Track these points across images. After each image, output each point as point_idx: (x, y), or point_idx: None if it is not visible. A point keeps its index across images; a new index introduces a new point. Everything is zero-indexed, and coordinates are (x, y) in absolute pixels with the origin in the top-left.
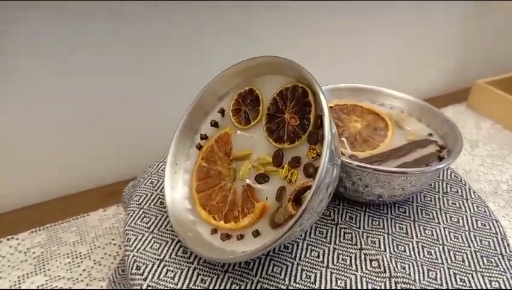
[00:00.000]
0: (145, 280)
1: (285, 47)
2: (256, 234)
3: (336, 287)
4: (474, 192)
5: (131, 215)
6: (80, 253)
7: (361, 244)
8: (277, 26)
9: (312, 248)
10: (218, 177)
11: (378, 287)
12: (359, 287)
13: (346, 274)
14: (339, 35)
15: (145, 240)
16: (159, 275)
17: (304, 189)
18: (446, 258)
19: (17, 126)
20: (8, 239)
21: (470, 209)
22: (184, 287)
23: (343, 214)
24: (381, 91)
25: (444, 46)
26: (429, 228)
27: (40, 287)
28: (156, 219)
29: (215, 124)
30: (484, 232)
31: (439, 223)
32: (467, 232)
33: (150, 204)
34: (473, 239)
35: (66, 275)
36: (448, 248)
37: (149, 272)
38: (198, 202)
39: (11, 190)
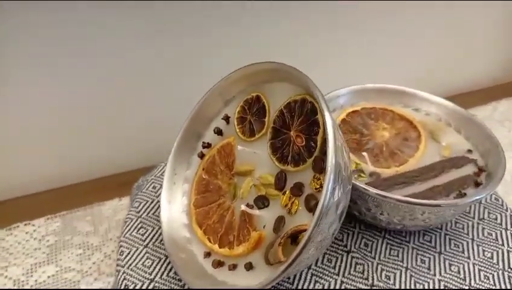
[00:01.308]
0: None
1: (307, 42)
2: (249, 267)
3: None
4: None
5: (128, 225)
6: (92, 244)
7: (373, 279)
8: (302, 19)
9: (317, 279)
10: (218, 193)
11: None
12: None
13: None
14: (360, 28)
15: (138, 254)
16: None
17: (297, 233)
18: None
19: (34, 109)
20: (25, 224)
21: (508, 243)
22: None
23: (357, 239)
24: (416, 94)
25: (488, 32)
26: (456, 264)
27: (45, 281)
28: (152, 230)
29: (219, 132)
30: None
31: (468, 257)
32: (500, 272)
33: (148, 213)
34: (507, 281)
35: (76, 266)
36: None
37: None
38: (194, 219)
39: (28, 173)
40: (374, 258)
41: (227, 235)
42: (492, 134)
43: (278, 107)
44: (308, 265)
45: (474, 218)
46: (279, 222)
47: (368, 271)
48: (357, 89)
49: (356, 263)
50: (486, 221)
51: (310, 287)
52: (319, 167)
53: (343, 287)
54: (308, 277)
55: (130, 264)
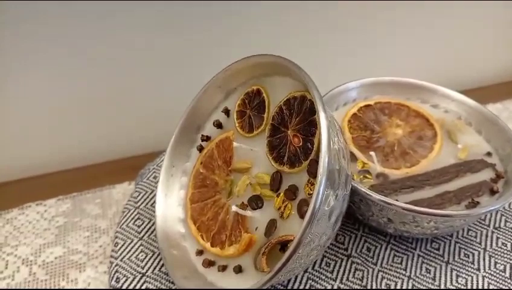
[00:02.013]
0: None
1: (325, 33)
2: (238, 270)
3: None
4: None
5: (126, 215)
6: (100, 227)
7: (372, 287)
8: (315, 9)
9: (312, 283)
10: (214, 189)
11: None
12: None
13: None
14: (378, 19)
15: (133, 247)
16: None
17: (282, 243)
18: None
19: (49, 90)
20: (37, 204)
21: None
22: None
23: (360, 243)
24: (436, 89)
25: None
26: (464, 275)
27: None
28: (149, 222)
29: (218, 125)
30: None
31: (478, 269)
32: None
33: (147, 203)
34: None
35: (83, 249)
36: None
37: (127, 287)
38: (189, 214)
39: (42, 154)
40: (376, 264)
41: (219, 234)
42: None
43: (278, 102)
44: (299, 272)
45: (489, 226)
46: (271, 225)
47: (367, 278)
48: (372, 82)
49: (356, 269)
50: (502, 230)
51: None
52: (314, 171)
53: None
54: (304, 280)
55: (124, 257)
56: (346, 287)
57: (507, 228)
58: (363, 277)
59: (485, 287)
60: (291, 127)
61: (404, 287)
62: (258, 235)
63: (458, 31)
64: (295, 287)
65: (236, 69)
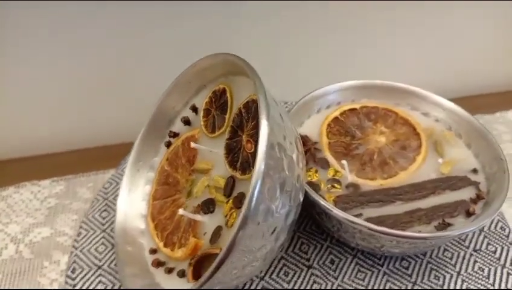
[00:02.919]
0: (74, 286)
1: (321, 33)
2: (181, 274)
3: None
4: None
5: (94, 205)
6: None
7: None
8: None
9: None
10: (175, 188)
11: None
12: None
13: None
14: (377, 21)
15: (94, 238)
16: (90, 285)
17: (207, 256)
18: None
19: (50, 71)
20: (32, 184)
21: (500, 283)
22: None
23: (324, 254)
24: (428, 96)
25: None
26: None
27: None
28: (114, 215)
29: (186, 122)
30: None
31: None
32: None
33: (116, 196)
34: None
35: (69, 232)
36: None
37: (81, 279)
38: (150, 211)
39: (41, 134)
40: (336, 278)
41: (173, 234)
42: (503, 156)
43: (239, 104)
44: (241, 282)
45: (468, 248)
46: (216, 233)
47: None
48: (359, 85)
49: (314, 281)
50: (482, 253)
51: None
52: None
53: None
54: (259, 288)
55: (84, 247)
56: None
57: (488, 252)
58: None
59: None
60: (246, 132)
61: None
62: (205, 241)
63: (458, 34)
64: None
65: (203, 65)
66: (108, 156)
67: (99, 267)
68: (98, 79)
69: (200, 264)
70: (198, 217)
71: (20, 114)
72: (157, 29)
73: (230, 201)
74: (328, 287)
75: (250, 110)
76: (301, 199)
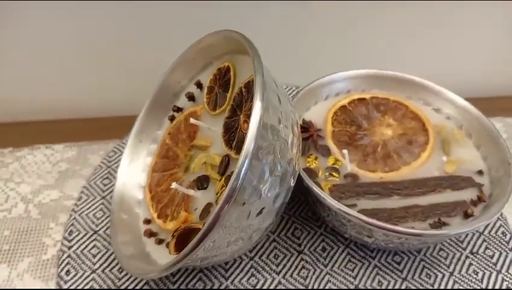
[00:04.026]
0: (69, 248)
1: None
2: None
3: None
4: None
5: (97, 172)
6: None
7: (312, 287)
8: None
9: (254, 272)
10: (174, 162)
11: None
12: None
13: None
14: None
15: (94, 204)
16: (84, 248)
17: (189, 231)
18: None
19: (71, 38)
20: (46, 147)
21: (494, 287)
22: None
23: (316, 241)
24: (441, 92)
25: None
26: None
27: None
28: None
29: (190, 98)
30: None
31: None
32: None
33: (119, 164)
34: None
35: (76, 196)
36: None
37: (77, 241)
38: (148, 182)
39: (57, 99)
40: (326, 266)
41: (167, 207)
42: (510, 158)
43: (241, 83)
44: (225, 259)
45: (465, 250)
46: (206, 209)
47: (311, 279)
48: (371, 74)
49: (303, 267)
50: (478, 257)
51: (244, 279)
52: None
53: (277, 288)
54: (246, 268)
55: (83, 212)
56: (287, 283)
57: (485, 255)
58: (307, 277)
59: None
60: (244, 112)
61: None
62: (195, 216)
63: (484, 33)
64: (237, 271)
65: (207, 42)
66: (122, 126)
67: (95, 232)
68: (115, 53)
69: (186, 238)
70: (191, 192)
71: (39, 79)
72: (167, 4)
73: (223, 179)
74: (316, 274)
75: (250, 90)
76: (292, 184)
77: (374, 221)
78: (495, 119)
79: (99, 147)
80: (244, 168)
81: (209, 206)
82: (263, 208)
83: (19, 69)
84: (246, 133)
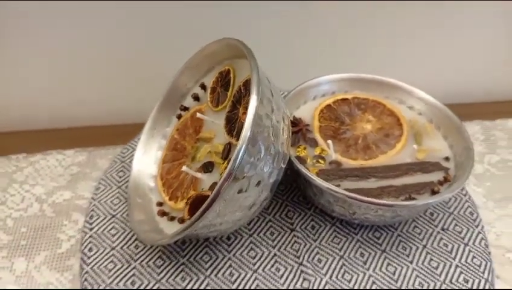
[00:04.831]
0: (91, 229)
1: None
2: (181, 221)
3: None
4: (483, 240)
5: (112, 166)
6: None
7: (303, 258)
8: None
9: (253, 247)
10: (182, 153)
11: None
12: None
13: (269, 285)
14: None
15: (110, 193)
16: (104, 229)
17: (200, 197)
18: None
19: (82, 44)
20: (57, 153)
21: (461, 258)
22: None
23: (306, 221)
24: (413, 92)
25: None
26: (395, 265)
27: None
28: (130, 175)
29: (196, 98)
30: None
31: (411, 262)
32: (438, 284)
33: (132, 159)
34: None
35: (88, 196)
36: None
37: (97, 224)
38: (160, 172)
39: (67, 109)
40: (315, 241)
41: (177, 190)
42: (472, 146)
43: (240, 82)
44: (228, 229)
45: (437, 227)
46: (212, 187)
47: (302, 251)
48: (353, 77)
49: (295, 241)
50: (449, 232)
51: (244, 252)
52: None
53: (273, 260)
54: (246, 243)
55: (101, 199)
56: (281, 255)
57: (454, 231)
58: (298, 249)
59: (412, 278)
60: (243, 105)
61: (333, 265)
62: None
63: (464, 41)
64: (238, 246)
65: (210, 49)
66: (127, 133)
67: (113, 216)
68: (122, 65)
69: (198, 205)
70: (199, 175)
71: (51, 89)
72: (171, 15)
73: (226, 162)
74: (307, 247)
75: (248, 87)
76: (283, 165)
77: (355, 195)
78: (474, 122)
79: (107, 151)
80: (243, 147)
81: (214, 184)
82: (260, 181)
83: (31, 81)
84: (244, 122)
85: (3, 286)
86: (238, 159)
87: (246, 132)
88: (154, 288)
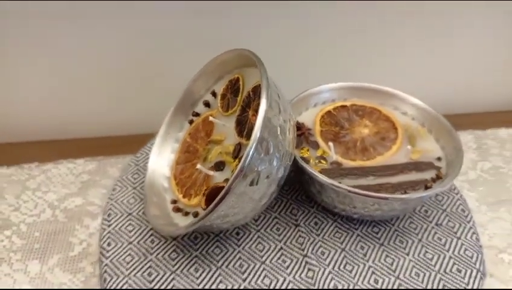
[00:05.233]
0: (109, 226)
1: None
2: (195, 215)
3: (260, 283)
4: (474, 234)
5: (127, 169)
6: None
7: (308, 251)
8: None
9: (261, 241)
10: (195, 155)
11: None
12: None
13: (277, 275)
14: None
15: (126, 193)
16: (121, 226)
17: (217, 190)
18: None
19: (88, 57)
20: (68, 162)
21: (454, 250)
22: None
23: (310, 217)
24: (407, 98)
25: None
26: (393, 256)
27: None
28: (143, 176)
29: (206, 104)
30: (454, 280)
31: (408, 254)
32: (433, 273)
33: (146, 163)
34: (435, 282)
35: (98, 202)
36: (401, 282)
37: (115, 221)
38: (173, 173)
39: (78, 120)
40: (318, 235)
41: (190, 189)
42: (461, 146)
43: (249, 88)
44: (239, 221)
45: (431, 222)
46: (225, 181)
47: (306, 244)
48: (352, 86)
49: (300, 236)
50: (442, 228)
51: (253, 246)
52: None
53: (279, 253)
54: (254, 238)
55: (118, 199)
56: (287, 248)
57: (447, 227)
58: (303, 243)
59: (409, 269)
60: (253, 108)
61: (335, 257)
62: None
63: (458, 53)
64: (247, 240)
65: (223, 58)
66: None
67: (130, 214)
68: (131, 77)
69: (213, 197)
70: (211, 172)
71: (61, 101)
72: (182, 27)
73: (236, 160)
74: (311, 241)
75: (257, 92)
76: (289, 162)
77: (355, 189)
78: (467, 132)
79: (116, 160)
80: (256, 141)
81: (226, 181)
82: (269, 174)
83: (42, 94)
84: (254, 123)
85: (18, 287)
86: (251, 152)
87: (258, 127)
88: (169, 278)
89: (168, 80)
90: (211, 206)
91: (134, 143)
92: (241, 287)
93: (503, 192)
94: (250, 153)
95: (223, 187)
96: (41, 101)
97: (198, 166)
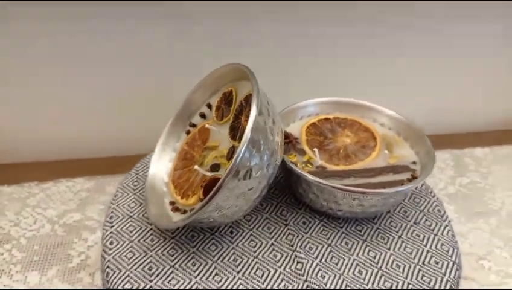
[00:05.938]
0: (111, 227)
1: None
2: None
3: (253, 275)
4: (450, 231)
5: (127, 177)
6: None
7: (297, 246)
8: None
9: (253, 238)
10: (191, 161)
11: (291, 286)
12: (273, 280)
13: (268, 267)
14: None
15: (127, 198)
16: (123, 227)
17: (214, 181)
18: (373, 282)
19: (91, 82)
20: (67, 181)
21: (432, 245)
22: (135, 238)
23: (298, 217)
24: (384, 111)
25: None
26: (375, 251)
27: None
28: (143, 184)
29: (202, 116)
30: (432, 271)
31: (389, 248)
32: (413, 265)
33: (145, 172)
34: (415, 273)
35: (96, 218)
36: (383, 273)
37: (117, 223)
38: (171, 178)
39: (77, 142)
40: (306, 233)
41: (187, 190)
42: (433, 150)
43: (241, 98)
44: (232, 217)
45: (410, 221)
46: None
47: (295, 240)
48: (334, 101)
49: (289, 233)
50: (420, 226)
51: (246, 243)
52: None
53: (271, 248)
54: (247, 236)
55: (119, 203)
56: (278, 244)
57: (425, 225)
58: (292, 239)
59: (390, 261)
60: (245, 114)
61: (322, 251)
62: None
63: (434, 71)
64: (240, 238)
65: (219, 72)
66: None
67: (130, 217)
68: (126, 101)
69: (210, 188)
70: (208, 173)
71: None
72: (176, 45)
73: (230, 162)
74: (299, 238)
75: (249, 101)
76: (277, 162)
77: (338, 185)
78: (445, 151)
79: (114, 179)
80: (249, 136)
81: None
82: (260, 169)
83: (42, 116)
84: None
85: None
86: (247, 142)
87: (253, 116)
88: (168, 271)
89: (165, 103)
90: (207, 197)
91: (133, 162)
92: (236, 279)
93: (481, 205)
94: (245, 145)
95: (219, 178)
96: (41, 123)
97: (196, 167)
